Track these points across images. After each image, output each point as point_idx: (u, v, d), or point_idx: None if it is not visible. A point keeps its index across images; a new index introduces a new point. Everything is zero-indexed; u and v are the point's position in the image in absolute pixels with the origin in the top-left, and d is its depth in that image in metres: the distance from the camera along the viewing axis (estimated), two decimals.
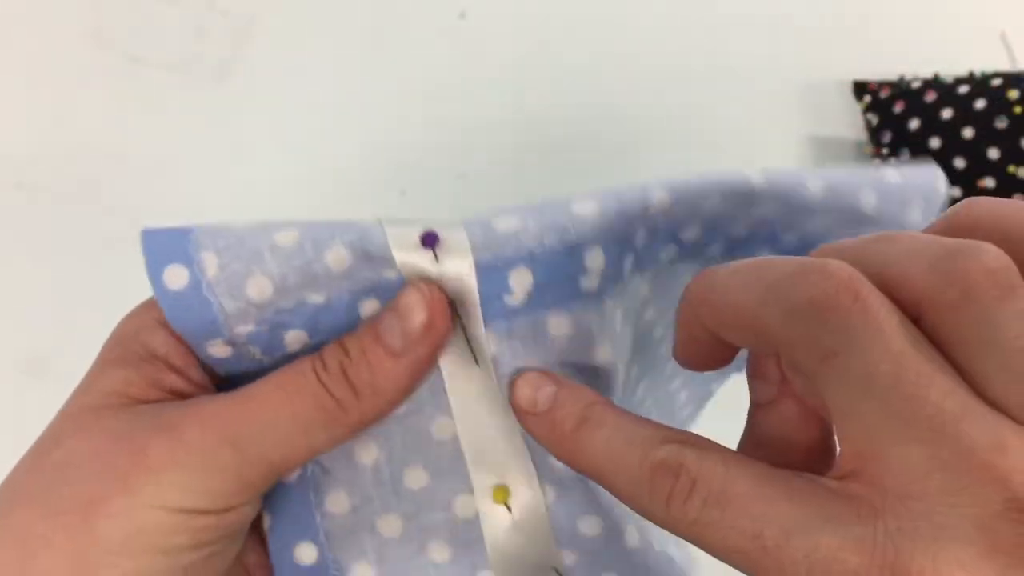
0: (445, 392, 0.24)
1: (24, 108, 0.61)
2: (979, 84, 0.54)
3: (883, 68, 0.60)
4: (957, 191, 0.53)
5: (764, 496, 0.17)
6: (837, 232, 0.27)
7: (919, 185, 0.27)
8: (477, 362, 0.23)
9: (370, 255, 0.22)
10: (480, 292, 0.23)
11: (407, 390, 0.23)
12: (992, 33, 0.63)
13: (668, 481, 0.18)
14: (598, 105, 0.61)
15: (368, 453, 0.24)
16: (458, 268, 0.22)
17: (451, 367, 0.23)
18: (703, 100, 0.61)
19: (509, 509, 0.24)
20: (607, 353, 0.23)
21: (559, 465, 0.24)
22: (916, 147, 0.55)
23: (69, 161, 0.59)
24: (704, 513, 0.17)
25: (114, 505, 0.20)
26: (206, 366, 0.23)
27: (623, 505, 0.21)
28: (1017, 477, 0.15)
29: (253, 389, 0.22)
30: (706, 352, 0.21)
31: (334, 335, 0.23)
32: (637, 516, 0.22)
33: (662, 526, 0.18)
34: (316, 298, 0.23)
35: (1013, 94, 0.51)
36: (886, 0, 0.65)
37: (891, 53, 0.61)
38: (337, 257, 0.22)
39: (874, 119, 0.58)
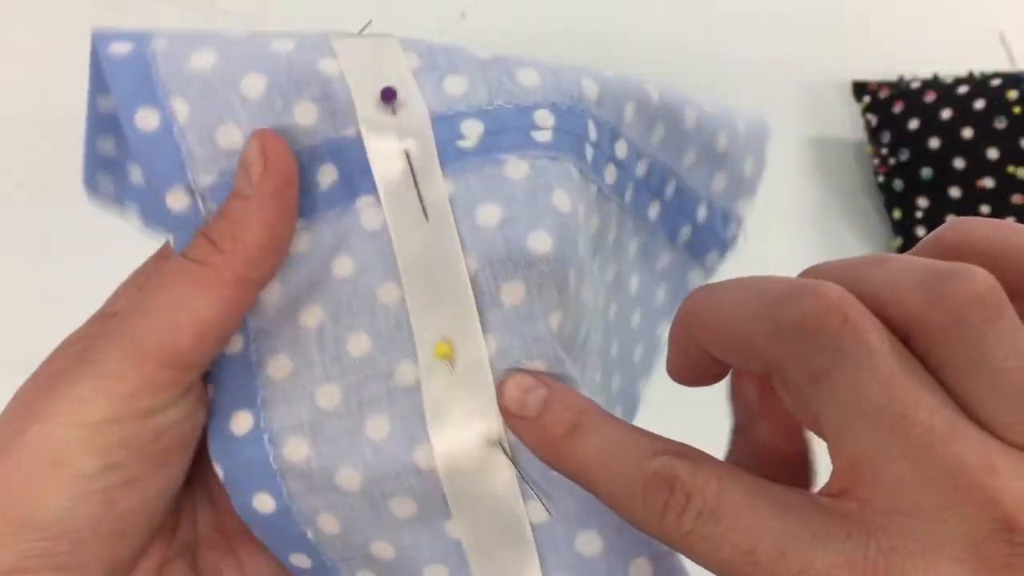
0: (393, 255, 0.23)
1: (24, 108, 0.61)
2: (978, 84, 0.54)
3: (882, 68, 0.60)
4: (956, 191, 0.53)
5: (758, 510, 0.17)
6: (694, 174, 0.31)
7: (756, 137, 0.33)
8: (428, 218, 0.23)
9: (334, 111, 0.23)
10: (436, 139, 0.23)
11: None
12: (991, 33, 0.63)
13: (662, 493, 0.18)
14: None
15: (313, 316, 0.23)
16: (413, 121, 0.23)
17: (400, 228, 0.23)
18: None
19: (452, 366, 0.23)
20: (566, 202, 0.23)
21: (505, 319, 0.23)
22: (916, 147, 0.55)
23: (69, 161, 0.59)
24: (698, 526, 0.17)
25: (29, 433, 0.21)
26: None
27: (568, 368, 0.22)
28: (1006, 497, 0.15)
29: (146, 286, 0.23)
30: (698, 369, 0.21)
31: None
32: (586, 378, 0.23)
33: (655, 536, 0.19)
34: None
35: (1012, 94, 0.52)
36: (886, 0, 0.65)
37: (890, 53, 0.61)
38: (304, 111, 0.23)
39: (874, 119, 0.58)
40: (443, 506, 0.23)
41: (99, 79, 0.26)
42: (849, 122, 0.61)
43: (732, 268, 0.59)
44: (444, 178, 0.23)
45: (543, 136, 0.24)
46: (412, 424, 0.23)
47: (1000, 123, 0.51)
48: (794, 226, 0.58)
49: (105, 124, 0.27)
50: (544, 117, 0.24)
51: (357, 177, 0.24)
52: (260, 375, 0.24)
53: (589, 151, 0.25)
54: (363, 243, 0.23)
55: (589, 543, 0.23)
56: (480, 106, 0.24)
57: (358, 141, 0.24)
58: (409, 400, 0.23)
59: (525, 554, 0.23)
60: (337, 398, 0.23)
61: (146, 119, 0.23)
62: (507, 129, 0.24)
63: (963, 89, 0.54)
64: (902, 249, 0.56)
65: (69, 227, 0.57)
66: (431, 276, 0.23)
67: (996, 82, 0.53)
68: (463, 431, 0.23)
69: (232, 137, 0.23)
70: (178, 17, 0.63)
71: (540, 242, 0.23)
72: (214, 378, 0.24)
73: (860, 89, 0.60)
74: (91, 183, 0.29)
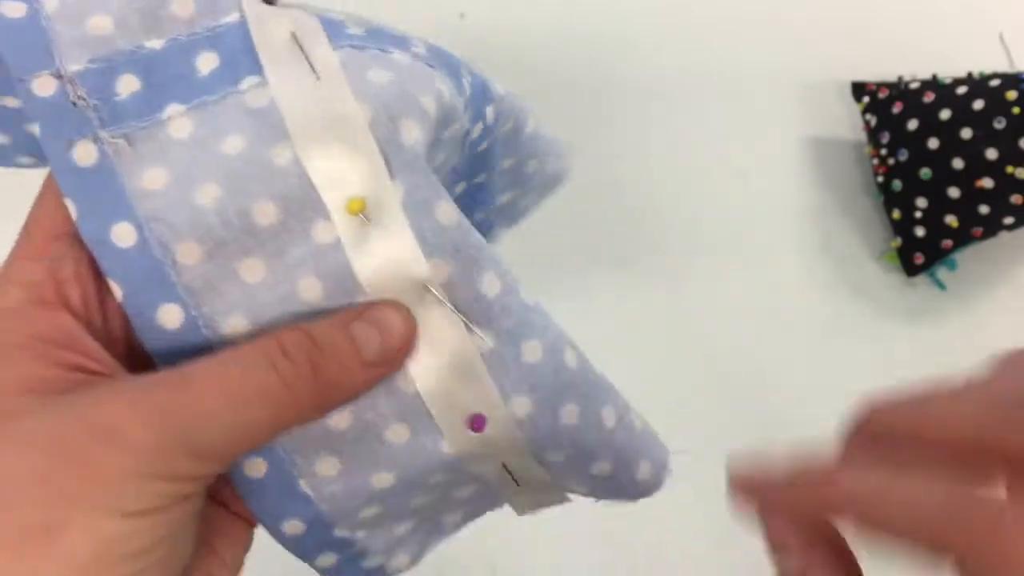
0: (283, 121, 0.23)
1: None
2: (978, 85, 0.54)
3: (882, 69, 0.60)
4: (955, 191, 0.53)
5: None
6: (500, 179, 0.34)
7: (550, 182, 0.39)
8: (319, 77, 0.23)
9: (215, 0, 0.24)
10: (322, 28, 0.24)
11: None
12: (991, 34, 0.63)
13: None
14: (597, 105, 0.61)
15: (206, 193, 0.23)
16: (297, 11, 0.25)
17: (288, 90, 0.23)
18: (701, 100, 0.61)
19: (368, 219, 0.23)
20: (445, 92, 0.25)
21: (406, 161, 0.23)
22: (915, 147, 0.55)
23: None
24: None
25: (74, 528, 0.19)
26: (99, 334, 0.23)
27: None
28: None
29: (193, 372, 0.21)
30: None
31: (163, 86, 0.23)
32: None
33: None
34: (154, 43, 0.24)
35: (1012, 95, 0.52)
36: (885, 0, 0.65)
37: (890, 54, 0.61)
38: (182, 3, 0.24)
39: (873, 120, 0.58)
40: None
41: None
42: (848, 122, 0.61)
43: (733, 267, 0.59)
44: (333, 51, 0.24)
45: (419, 49, 0.26)
46: (346, 283, 0.23)
47: (999, 123, 0.52)
48: (793, 226, 0.58)
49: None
50: (421, 44, 0.26)
51: (240, 58, 0.24)
52: (172, 268, 0.23)
53: (466, 87, 0.27)
54: (250, 119, 0.23)
55: (532, 351, 0.25)
56: (363, 33, 0.25)
57: (241, 26, 0.24)
58: (335, 258, 0.23)
59: (482, 385, 0.24)
60: (261, 269, 0.23)
61: (12, 8, 0.23)
62: (387, 38, 0.26)
63: (962, 89, 0.54)
64: (901, 248, 0.56)
65: None
66: (328, 133, 0.23)
67: (995, 82, 0.53)
68: (395, 280, 0.23)
69: (102, 24, 0.23)
70: None
71: (428, 104, 0.24)
72: (115, 276, 0.23)
73: (859, 89, 0.60)
74: None
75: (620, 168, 0.59)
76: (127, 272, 0.23)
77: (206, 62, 0.24)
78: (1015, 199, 0.52)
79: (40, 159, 0.28)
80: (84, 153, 0.23)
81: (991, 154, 0.52)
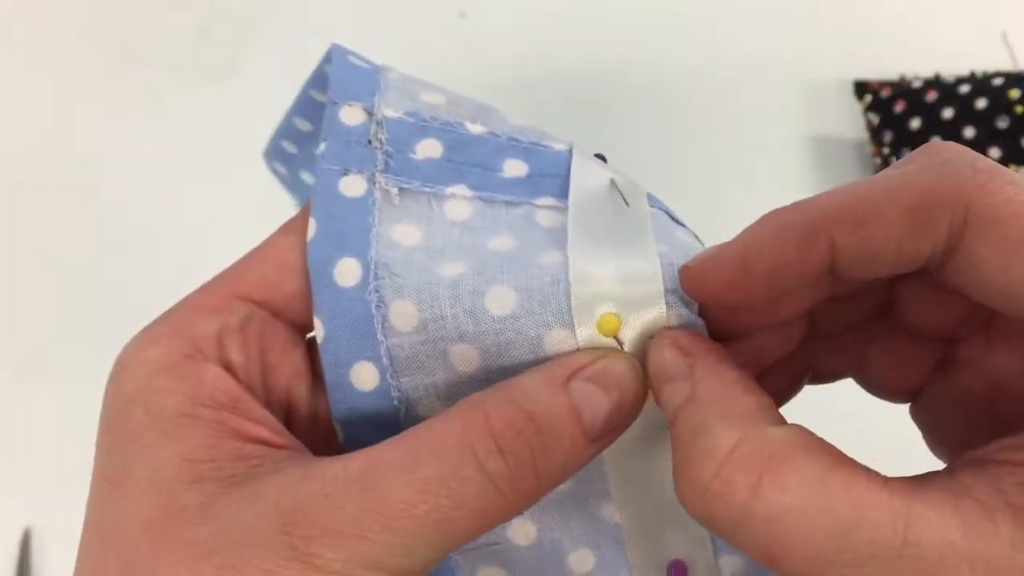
0: (565, 237, 0.21)
1: (24, 108, 0.61)
2: (980, 84, 0.54)
3: (884, 68, 0.60)
4: None
5: None
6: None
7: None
8: (628, 204, 0.23)
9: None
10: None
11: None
12: (993, 33, 0.63)
13: None
14: (597, 105, 0.61)
15: (449, 268, 0.21)
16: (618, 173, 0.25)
17: (581, 208, 0.22)
18: (703, 100, 0.61)
19: (620, 345, 0.20)
20: None
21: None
22: (917, 147, 0.54)
23: (69, 161, 0.59)
24: None
25: None
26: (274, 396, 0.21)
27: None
28: None
29: (389, 482, 0.17)
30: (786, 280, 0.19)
31: (461, 167, 0.23)
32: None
33: None
34: (475, 128, 0.24)
35: (1014, 93, 0.51)
36: (886, 0, 0.65)
37: (892, 53, 0.61)
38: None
39: (875, 119, 0.58)
40: (602, 485, 0.22)
41: (320, 77, 0.26)
42: (850, 121, 0.61)
43: None
44: (649, 206, 0.23)
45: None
46: None
47: (1002, 122, 0.51)
48: None
49: (305, 109, 0.28)
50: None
51: (548, 181, 0.23)
52: (378, 321, 0.21)
53: None
54: (531, 229, 0.22)
55: None
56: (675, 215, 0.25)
57: (564, 155, 0.24)
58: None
59: (695, 528, 0.22)
60: (474, 360, 0.21)
61: (358, 59, 0.24)
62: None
63: (965, 88, 0.54)
64: None
65: (69, 227, 0.57)
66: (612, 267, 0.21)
67: (998, 81, 0.53)
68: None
69: (434, 97, 0.23)
70: (178, 17, 0.63)
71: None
72: (323, 312, 0.21)
73: (861, 88, 0.60)
74: (269, 158, 0.31)
75: (620, 167, 0.59)
76: (336, 311, 0.21)
77: (513, 168, 0.23)
78: None
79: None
80: (353, 184, 0.22)
81: (994, 153, 0.51)
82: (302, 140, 0.29)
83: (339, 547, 0.17)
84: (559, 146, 0.24)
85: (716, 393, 0.18)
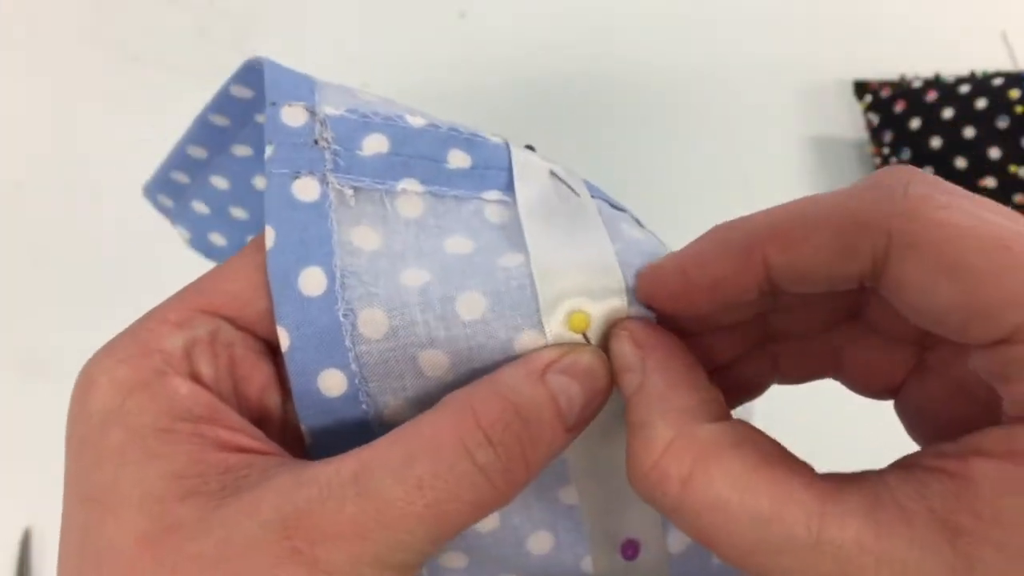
0: (520, 236, 0.22)
1: (24, 108, 0.61)
2: (980, 84, 0.54)
3: (884, 68, 0.60)
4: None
5: None
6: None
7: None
8: (578, 194, 0.23)
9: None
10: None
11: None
12: (993, 33, 0.63)
13: None
14: (597, 105, 0.61)
15: (414, 276, 0.21)
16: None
17: (531, 209, 0.23)
18: (703, 100, 0.61)
19: (588, 341, 0.21)
20: None
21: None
22: (917, 147, 0.55)
23: (69, 161, 0.59)
24: None
25: None
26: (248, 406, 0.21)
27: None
28: None
29: (384, 481, 0.18)
30: (732, 292, 0.19)
31: (409, 160, 0.23)
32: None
33: None
34: (415, 120, 0.23)
35: (1014, 94, 0.51)
36: (886, 0, 0.65)
37: (891, 53, 0.61)
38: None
39: (875, 119, 0.58)
40: (560, 468, 0.22)
41: (224, 98, 0.26)
42: (850, 121, 0.61)
43: None
44: (590, 196, 0.23)
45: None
46: None
47: (1002, 122, 0.51)
48: None
49: (200, 139, 0.28)
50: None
51: (493, 173, 0.24)
52: (347, 330, 0.21)
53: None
54: (485, 228, 0.22)
55: None
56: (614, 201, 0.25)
57: (502, 148, 0.24)
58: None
59: (646, 508, 0.22)
60: (444, 364, 0.21)
61: (291, 77, 0.23)
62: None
63: (965, 88, 0.54)
64: None
65: (69, 227, 0.57)
66: (569, 251, 0.21)
67: (998, 81, 0.53)
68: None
69: (371, 97, 0.23)
70: (178, 17, 0.63)
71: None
72: (287, 322, 0.21)
73: (861, 88, 0.60)
74: (152, 192, 0.30)
75: (620, 167, 0.59)
76: (302, 322, 0.21)
77: (457, 159, 0.23)
78: (1018, 198, 0.52)
79: (232, 242, 0.27)
80: (306, 188, 0.22)
81: (994, 153, 0.51)
82: (195, 169, 0.29)
83: (342, 549, 0.17)
84: (495, 139, 0.24)
85: (660, 388, 0.20)
